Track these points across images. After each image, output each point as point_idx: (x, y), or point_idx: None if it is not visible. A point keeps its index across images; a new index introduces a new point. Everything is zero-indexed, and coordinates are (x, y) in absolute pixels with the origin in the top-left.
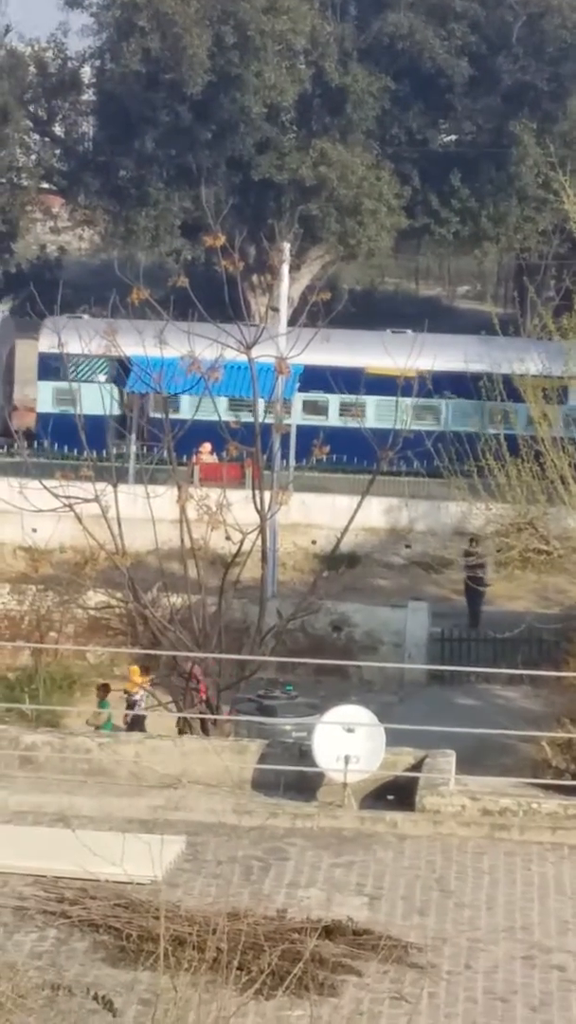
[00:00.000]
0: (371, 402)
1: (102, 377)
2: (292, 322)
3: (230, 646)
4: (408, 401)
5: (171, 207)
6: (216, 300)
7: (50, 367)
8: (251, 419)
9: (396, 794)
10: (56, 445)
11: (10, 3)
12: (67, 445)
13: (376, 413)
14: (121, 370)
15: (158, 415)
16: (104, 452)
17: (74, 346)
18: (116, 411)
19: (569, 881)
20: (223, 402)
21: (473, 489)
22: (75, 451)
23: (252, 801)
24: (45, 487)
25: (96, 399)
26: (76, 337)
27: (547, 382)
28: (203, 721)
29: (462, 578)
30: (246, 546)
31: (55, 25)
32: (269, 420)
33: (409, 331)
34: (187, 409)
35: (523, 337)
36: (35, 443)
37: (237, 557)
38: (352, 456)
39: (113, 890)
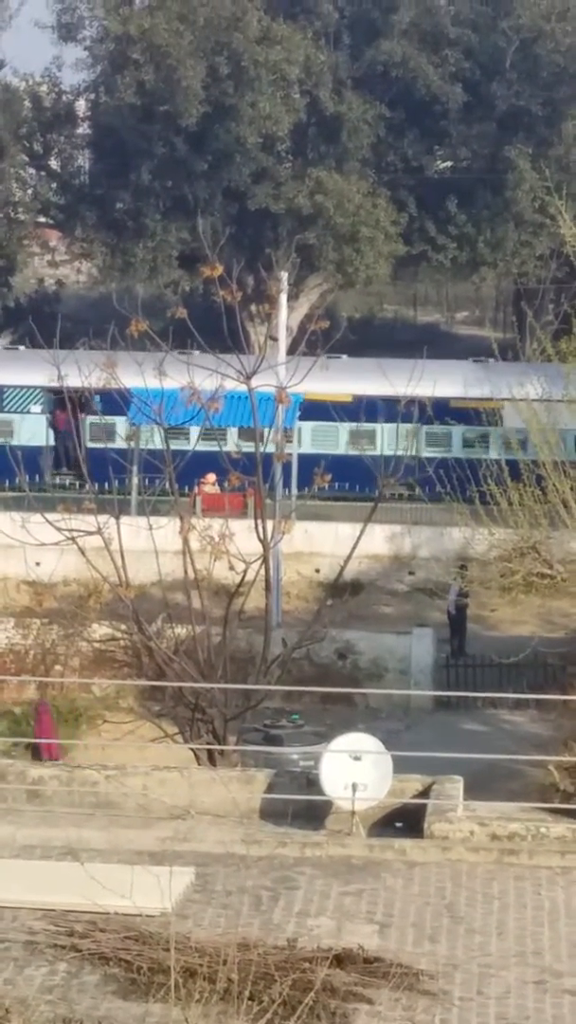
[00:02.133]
0: (306, 428)
1: (36, 408)
2: (291, 351)
3: (235, 676)
4: (345, 426)
5: (168, 238)
6: (215, 330)
7: None
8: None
9: (404, 821)
10: None
11: (3, 38)
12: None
13: (312, 438)
14: (59, 401)
15: (95, 445)
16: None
17: (6, 378)
18: (52, 441)
19: None
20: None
21: (475, 515)
22: (6, 483)
23: (260, 831)
24: (48, 520)
25: (33, 430)
26: (10, 369)
27: (482, 404)
28: (210, 752)
29: (447, 605)
30: (250, 576)
31: (49, 59)
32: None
33: (344, 356)
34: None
35: (495, 361)
36: None
37: (241, 587)
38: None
39: (123, 923)
